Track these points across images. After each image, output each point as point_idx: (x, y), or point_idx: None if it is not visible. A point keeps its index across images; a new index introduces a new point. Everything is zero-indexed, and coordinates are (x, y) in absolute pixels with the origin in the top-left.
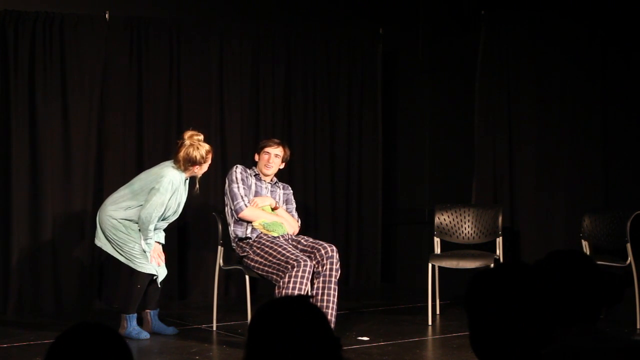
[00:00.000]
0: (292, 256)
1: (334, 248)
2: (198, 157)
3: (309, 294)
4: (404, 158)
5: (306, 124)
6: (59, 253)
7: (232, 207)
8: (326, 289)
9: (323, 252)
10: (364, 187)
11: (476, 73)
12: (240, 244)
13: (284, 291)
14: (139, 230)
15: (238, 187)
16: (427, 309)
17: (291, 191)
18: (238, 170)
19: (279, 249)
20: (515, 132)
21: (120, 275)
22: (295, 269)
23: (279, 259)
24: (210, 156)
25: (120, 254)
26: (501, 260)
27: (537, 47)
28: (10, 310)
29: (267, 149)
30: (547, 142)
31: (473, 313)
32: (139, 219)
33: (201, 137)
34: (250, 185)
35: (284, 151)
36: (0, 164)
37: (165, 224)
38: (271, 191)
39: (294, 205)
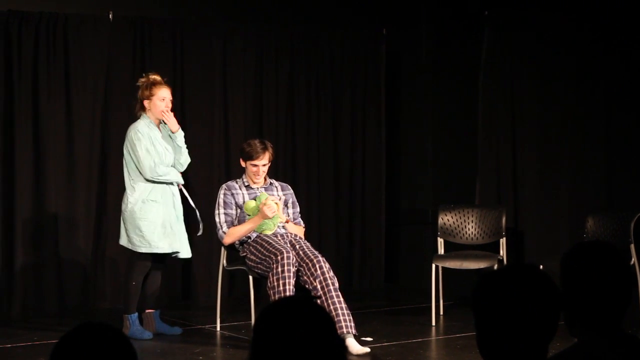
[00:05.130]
0: (273, 249)
1: (320, 259)
2: (142, 94)
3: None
4: (408, 158)
5: (309, 124)
6: (62, 254)
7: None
8: (329, 298)
9: (311, 266)
10: (367, 187)
11: (479, 73)
12: (243, 245)
13: (271, 291)
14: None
15: (219, 214)
16: (431, 310)
17: (291, 191)
18: (221, 194)
19: (266, 245)
20: (519, 133)
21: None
22: (275, 265)
23: (265, 255)
24: (157, 90)
25: (126, 234)
26: (505, 261)
27: (541, 48)
28: (14, 311)
29: (255, 162)
30: (550, 143)
31: (480, 314)
32: (148, 181)
33: (154, 76)
34: (243, 199)
35: (270, 155)
36: (4, 163)
37: (174, 169)
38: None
39: (298, 209)
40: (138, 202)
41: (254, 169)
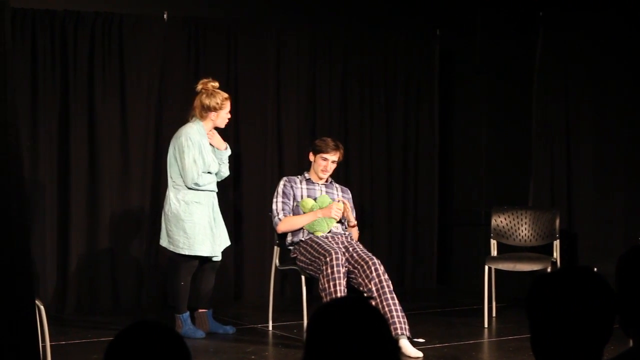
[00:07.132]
0: (323, 250)
1: (375, 261)
2: (212, 104)
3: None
4: (461, 159)
5: (362, 124)
6: (116, 252)
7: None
8: (384, 300)
9: (366, 268)
10: (420, 188)
11: (533, 75)
12: (294, 246)
13: (323, 293)
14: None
15: (277, 201)
16: (483, 312)
17: (350, 195)
18: (281, 184)
19: (315, 246)
20: (573, 134)
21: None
22: (324, 267)
23: (315, 256)
24: (227, 103)
25: (168, 235)
26: (558, 263)
27: (596, 49)
28: (68, 309)
29: (325, 155)
30: (605, 145)
31: (535, 316)
32: (190, 188)
33: (216, 84)
34: (302, 193)
35: (340, 154)
36: (59, 163)
37: (215, 177)
38: (326, 192)
39: (354, 213)
40: (182, 203)
41: (323, 162)
